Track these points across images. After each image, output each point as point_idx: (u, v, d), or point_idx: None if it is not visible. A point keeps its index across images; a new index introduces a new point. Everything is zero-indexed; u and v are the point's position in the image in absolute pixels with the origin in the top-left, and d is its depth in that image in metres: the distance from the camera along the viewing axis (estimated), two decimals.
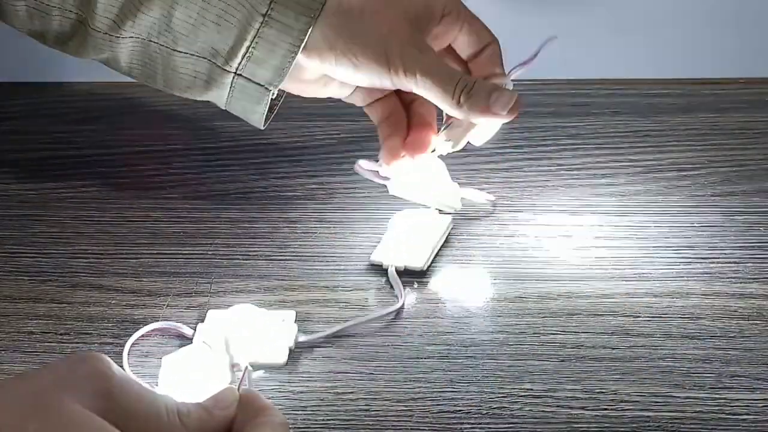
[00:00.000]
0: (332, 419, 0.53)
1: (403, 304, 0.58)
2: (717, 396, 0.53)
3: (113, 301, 0.60)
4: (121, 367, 0.54)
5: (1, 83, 0.79)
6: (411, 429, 0.53)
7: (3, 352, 0.57)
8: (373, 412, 0.54)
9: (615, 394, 0.54)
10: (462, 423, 0.53)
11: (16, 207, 0.67)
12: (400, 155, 0.62)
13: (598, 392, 0.54)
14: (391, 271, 0.60)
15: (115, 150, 0.72)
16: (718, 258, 0.62)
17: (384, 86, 0.59)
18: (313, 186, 0.68)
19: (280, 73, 0.57)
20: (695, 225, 0.64)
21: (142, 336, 0.56)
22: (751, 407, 0.53)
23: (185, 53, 0.58)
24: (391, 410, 0.54)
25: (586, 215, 0.65)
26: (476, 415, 0.53)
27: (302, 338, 0.56)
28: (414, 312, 0.59)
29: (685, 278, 0.60)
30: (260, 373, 0.54)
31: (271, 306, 0.59)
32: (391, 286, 0.60)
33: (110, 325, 0.59)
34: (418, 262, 0.61)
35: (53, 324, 0.59)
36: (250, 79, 0.58)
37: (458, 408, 0.53)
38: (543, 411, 0.53)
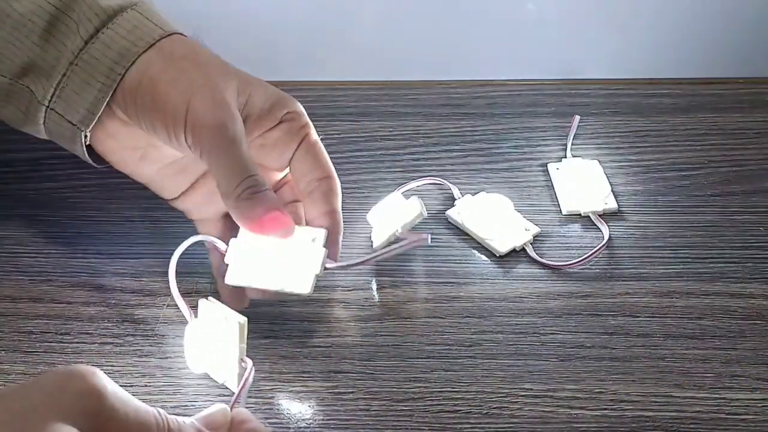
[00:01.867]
0: (332, 419, 0.53)
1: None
2: (717, 396, 0.53)
3: (113, 301, 0.60)
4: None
5: None
6: (411, 429, 0.53)
7: (3, 352, 0.57)
8: (373, 412, 0.54)
9: (615, 394, 0.54)
10: (462, 423, 0.53)
11: (16, 207, 0.67)
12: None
13: (598, 392, 0.54)
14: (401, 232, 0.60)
15: None
16: (718, 258, 0.62)
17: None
18: None
19: (92, 111, 0.54)
20: (695, 225, 0.64)
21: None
22: (751, 407, 0.53)
23: (8, 78, 0.55)
24: (391, 410, 0.54)
25: (585, 215, 0.65)
26: (476, 415, 0.53)
27: (330, 264, 0.53)
28: (414, 312, 0.59)
29: (685, 278, 0.60)
30: (258, 374, 0.54)
31: (270, 305, 0.59)
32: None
33: (110, 325, 0.59)
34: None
35: (53, 324, 0.59)
36: (62, 116, 0.55)
37: (458, 408, 0.53)
38: (543, 411, 0.53)
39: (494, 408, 0.53)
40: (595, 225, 0.64)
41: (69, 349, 0.57)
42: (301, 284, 0.53)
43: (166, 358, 0.57)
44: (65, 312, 0.60)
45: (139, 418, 0.42)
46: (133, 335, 0.58)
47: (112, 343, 0.58)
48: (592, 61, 0.77)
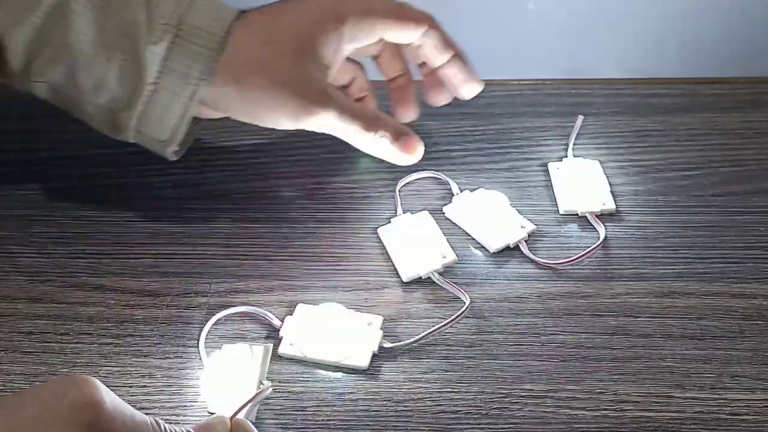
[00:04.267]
0: (333, 419, 0.53)
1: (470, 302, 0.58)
2: (717, 396, 0.53)
3: (113, 301, 0.60)
4: (197, 341, 0.56)
5: (1, 83, 0.79)
6: (411, 429, 0.53)
7: (3, 352, 0.57)
8: (373, 412, 0.54)
9: (615, 394, 0.54)
10: (462, 423, 0.53)
11: (16, 207, 0.67)
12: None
13: (598, 392, 0.54)
14: (438, 278, 0.60)
15: (116, 150, 0.72)
16: (718, 258, 0.62)
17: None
18: (313, 186, 0.68)
19: (176, 134, 0.60)
20: (695, 225, 0.64)
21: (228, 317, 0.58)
22: (751, 407, 0.53)
23: (92, 104, 0.60)
24: (391, 410, 0.54)
25: (582, 215, 0.65)
26: (476, 415, 0.53)
27: (387, 344, 0.56)
28: (413, 312, 0.59)
29: (685, 278, 0.60)
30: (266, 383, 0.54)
31: (270, 306, 0.59)
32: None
33: (110, 325, 0.59)
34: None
35: (53, 324, 0.59)
36: (148, 135, 0.61)
37: (458, 408, 0.53)
38: (543, 411, 0.53)
39: (494, 408, 0.53)
40: (592, 225, 0.64)
41: (68, 349, 0.57)
42: (359, 359, 0.55)
43: (166, 358, 0.57)
44: (65, 312, 0.60)
45: (136, 429, 0.42)
46: (132, 335, 0.58)
47: (111, 343, 0.58)
48: (593, 60, 0.77)
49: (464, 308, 0.57)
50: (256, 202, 0.67)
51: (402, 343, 0.56)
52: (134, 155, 0.71)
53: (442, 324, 0.57)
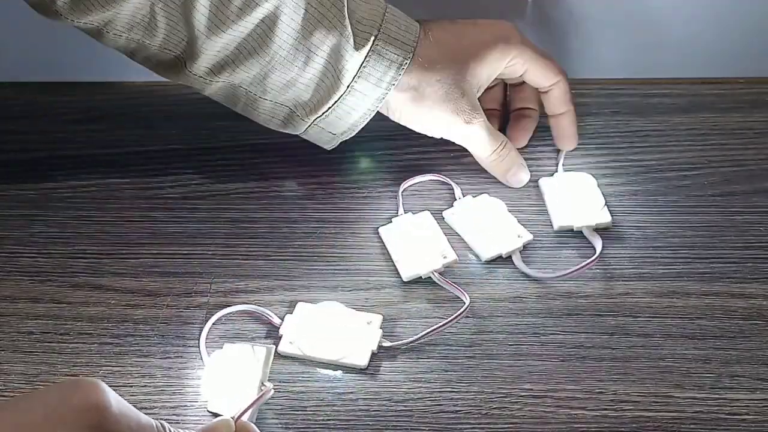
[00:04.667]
0: (333, 419, 0.53)
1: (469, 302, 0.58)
2: (717, 396, 0.53)
3: (113, 301, 0.60)
4: (197, 340, 0.56)
5: (1, 83, 0.79)
6: (411, 429, 0.53)
7: (3, 352, 0.57)
8: (373, 412, 0.54)
9: (615, 394, 0.54)
10: (462, 423, 0.53)
11: (16, 207, 0.67)
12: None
13: (598, 392, 0.54)
14: (438, 277, 0.60)
15: (115, 150, 0.72)
16: (718, 258, 0.62)
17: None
18: (313, 186, 0.68)
19: (353, 129, 0.64)
20: (695, 225, 0.64)
21: (228, 315, 0.58)
22: (751, 407, 0.53)
23: (271, 101, 0.63)
24: (391, 410, 0.54)
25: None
26: (476, 415, 0.53)
27: (386, 343, 0.56)
28: (413, 312, 0.59)
29: (685, 278, 0.60)
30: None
31: (270, 306, 0.59)
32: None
33: (110, 325, 0.59)
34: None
35: (53, 324, 0.59)
36: (324, 129, 0.64)
37: (458, 408, 0.53)
38: (543, 411, 0.53)
39: (494, 408, 0.53)
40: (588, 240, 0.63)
41: (69, 350, 0.57)
42: (359, 358, 0.56)
43: (166, 358, 0.57)
44: (65, 312, 0.60)
45: (142, 429, 0.42)
46: (133, 335, 0.58)
47: (111, 343, 0.58)
48: (592, 61, 0.77)
49: (464, 308, 0.57)
50: (256, 202, 0.67)
51: (401, 342, 0.56)
52: (134, 155, 0.71)
53: (442, 324, 0.57)
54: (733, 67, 0.76)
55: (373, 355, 0.56)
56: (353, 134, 0.65)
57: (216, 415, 0.53)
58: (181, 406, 0.54)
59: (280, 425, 0.53)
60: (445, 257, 0.61)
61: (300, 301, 0.59)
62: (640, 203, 0.66)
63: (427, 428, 0.53)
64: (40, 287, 0.61)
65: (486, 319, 0.58)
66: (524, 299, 0.59)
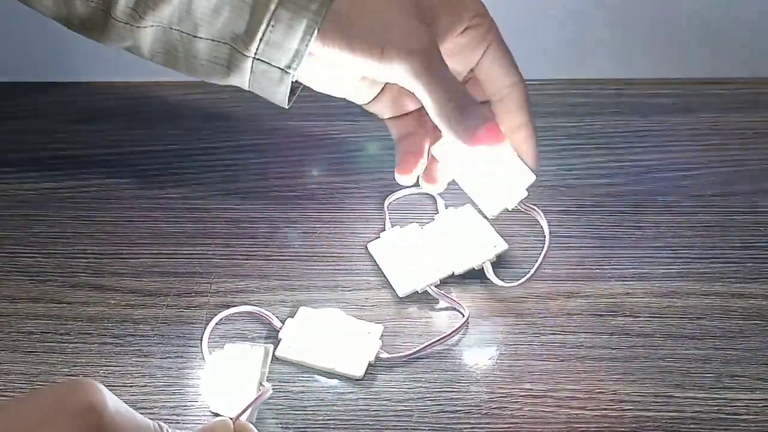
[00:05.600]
0: (332, 419, 0.53)
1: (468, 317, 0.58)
2: (717, 396, 0.53)
3: (113, 301, 0.60)
4: (200, 339, 0.56)
5: (1, 83, 0.79)
6: (411, 429, 0.53)
7: (3, 352, 0.57)
8: (373, 412, 0.54)
9: (615, 394, 0.54)
10: (462, 423, 0.53)
11: (16, 207, 0.67)
12: (411, 172, 0.61)
13: (598, 392, 0.54)
14: (435, 290, 0.59)
15: (115, 150, 0.72)
16: (718, 258, 0.62)
17: (376, 77, 0.57)
18: (313, 186, 0.68)
19: (298, 56, 0.55)
20: (695, 225, 0.64)
21: (229, 316, 0.58)
22: (751, 407, 0.53)
23: (206, 39, 0.57)
24: (391, 410, 0.54)
25: (585, 215, 0.65)
26: (476, 415, 0.53)
27: (384, 355, 0.56)
28: (413, 312, 0.59)
29: (685, 278, 0.60)
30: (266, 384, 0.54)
31: (270, 306, 0.59)
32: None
33: (110, 325, 0.59)
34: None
35: (53, 324, 0.59)
36: (269, 63, 0.56)
37: (458, 408, 0.53)
38: (543, 411, 0.53)
39: (494, 408, 0.53)
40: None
41: (69, 350, 0.57)
42: (355, 368, 0.55)
43: (166, 358, 0.57)
44: (65, 312, 0.60)
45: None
46: (133, 335, 0.58)
47: (112, 343, 0.58)
48: (593, 60, 0.77)
49: (463, 322, 0.57)
50: (256, 202, 0.67)
51: (399, 354, 0.56)
52: (134, 155, 0.71)
53: (440, 338, 0.56)
54: (733, 67, 0.76)
55: (370, 365, 0.56)
56: (301, 63, 0.56)
57: (218, 416, 0.53)
58: (181, 406, 0.54)
59: (280, 425, 0.53)
60: (439, 271, 0.60)
61: (299, 300, 0.59)
62: (640, 203, 0.66)
63: (427, 428, 0.53)
64: (40, 287, 0.61)
65: (486, 319, 0.58)
66: (524, 299, 0.59)
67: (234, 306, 0.58)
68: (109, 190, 0.69)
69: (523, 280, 0.59)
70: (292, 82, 0.57)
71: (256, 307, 0.58)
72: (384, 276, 0.61)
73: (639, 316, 0.58)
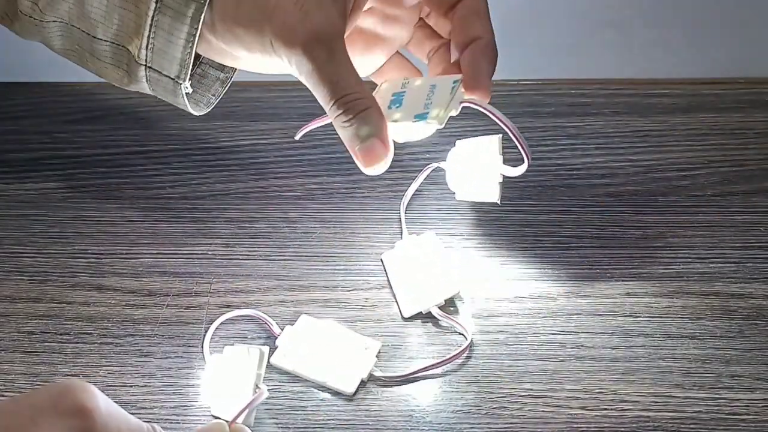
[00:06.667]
0: (332, 419, 0.53)
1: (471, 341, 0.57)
2: (717, 396, 0.53)
3: (113, 301, 0.60)
4: (202, 339, 0.56)
5: (1, 83, 0.79)
6: (411, 429, 0.53)
7: (3, 352, 0.57)
8: (373, 412, 0.54)
9: (615, 394, 0.54)
10: (462, 423, 0.53)
11: (16, 207, 0.67)
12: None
13: (598, 392, 0.54)
14: (437, 311, 0.58)
15: (115, 150, 0.72)
16: (718, 258, 0.62)
17: (273, 70, 0.52)
18: (313, 186, 0.68)
19: (184, 65, 0.51)
20: (695, 225, 0.64)
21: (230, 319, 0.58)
22: (751, 407, 0.53)
23: (105, 40, 0.53)
24: (391, 410, 0.54)
25: (585, 215, 0.65)
26: (476, 415, 0.53)
27: (378, 373, 0.55)
28: (414, 325, 0.59)
29: (685, 278, 0.60)
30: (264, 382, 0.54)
31: (270, 306, 0.59)
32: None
33: (110, 325, 0.59)
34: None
35: (53, 324, 0.59)
36: (160, 72, 0.53)
37: (458, 408, 0.53)
38: (543, 411, 0.53)
39: (494, 408, 0.53)
40: None
41: (69, 350, 0.57)
42: (346, 384, 0.54)
43: (166, 358, 0.57)
44: (65, 312, 0.60)
45: None
46: (133, 335, 0.58)
47: (112, 343, 0.58)
48: (592, 60, 0.77)
49: (465, 346, 0.56)
50: (256, 202, 0.67)
51: (394, 374, 0.55)
52: (134, 155, 0.71)
53: (440, 361, 0.55)
54: (733, 67, 0.76)
55: (363, 383, 0.55)
56: (188, 73, 0.52)
57: (217, 418, 0.53)
58: (181, 406, 0.54)
59: (279, 425, 0.53)
60: (444, 294, 0.59)
61: (299, 300, 0.59)
62: (640, 203, 0.66)
63: (427, 428, 0.53)
64: (40, 287, 0.61)
65: (486, 319, 0.58)
66: (524, 299, 0.59)
67: (234, 306, 0.58)
68: (109, 190, 0.69)
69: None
70: (225, 77, 0.54)
71: (256, 311, 0.58)
72: (391, 287, 0.60)
73: (639, 316, 0.58)
